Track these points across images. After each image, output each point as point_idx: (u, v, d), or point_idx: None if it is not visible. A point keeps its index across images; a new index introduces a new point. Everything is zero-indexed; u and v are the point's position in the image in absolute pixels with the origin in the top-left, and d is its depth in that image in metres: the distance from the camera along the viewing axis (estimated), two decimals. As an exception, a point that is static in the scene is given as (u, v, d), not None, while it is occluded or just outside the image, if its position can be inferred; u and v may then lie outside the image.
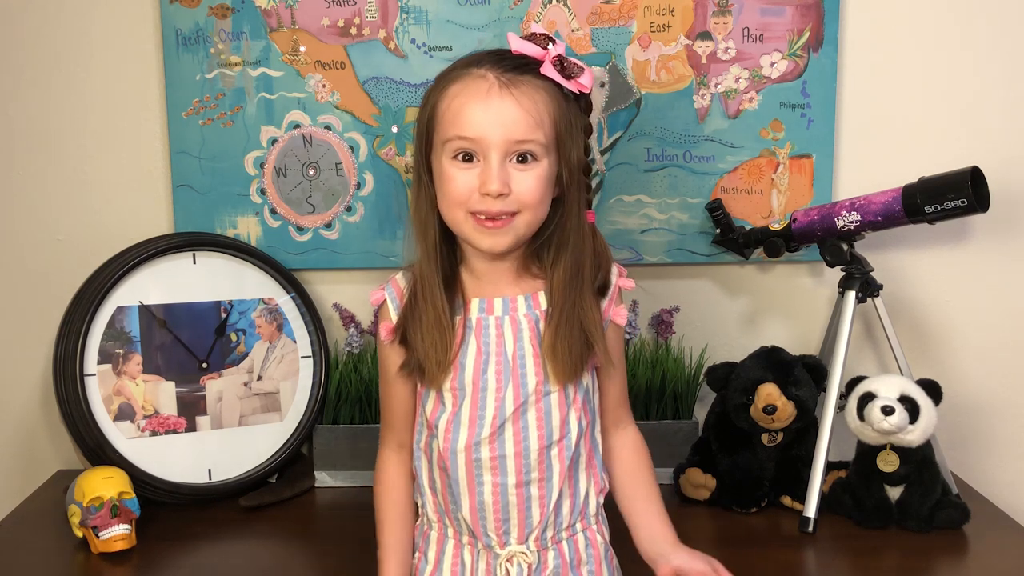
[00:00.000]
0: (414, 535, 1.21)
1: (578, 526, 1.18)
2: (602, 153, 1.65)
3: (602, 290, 1.17)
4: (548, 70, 1.10)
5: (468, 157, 1.09)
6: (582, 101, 1.14)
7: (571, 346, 1.12)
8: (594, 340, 1.13)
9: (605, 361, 1.16)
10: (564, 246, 1.14)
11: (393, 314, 1.17)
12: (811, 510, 1.45)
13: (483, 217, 1.09)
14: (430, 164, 1.14)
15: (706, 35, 1.63)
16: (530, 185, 1.09)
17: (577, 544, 1.17)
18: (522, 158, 1.09)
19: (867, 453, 1.48)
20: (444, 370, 1.13)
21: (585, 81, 1.12)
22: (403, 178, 1.66)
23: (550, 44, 1.11)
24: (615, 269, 1.19)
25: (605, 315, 1.18)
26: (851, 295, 1.52)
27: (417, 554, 1.20)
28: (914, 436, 1.44)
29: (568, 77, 1.11)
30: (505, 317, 1.15)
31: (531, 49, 1.11)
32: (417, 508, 1.22)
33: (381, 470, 1.22)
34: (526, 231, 1.12)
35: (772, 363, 1.53)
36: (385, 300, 1.18)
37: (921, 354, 1.71)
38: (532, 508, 1.14)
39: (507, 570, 1.14)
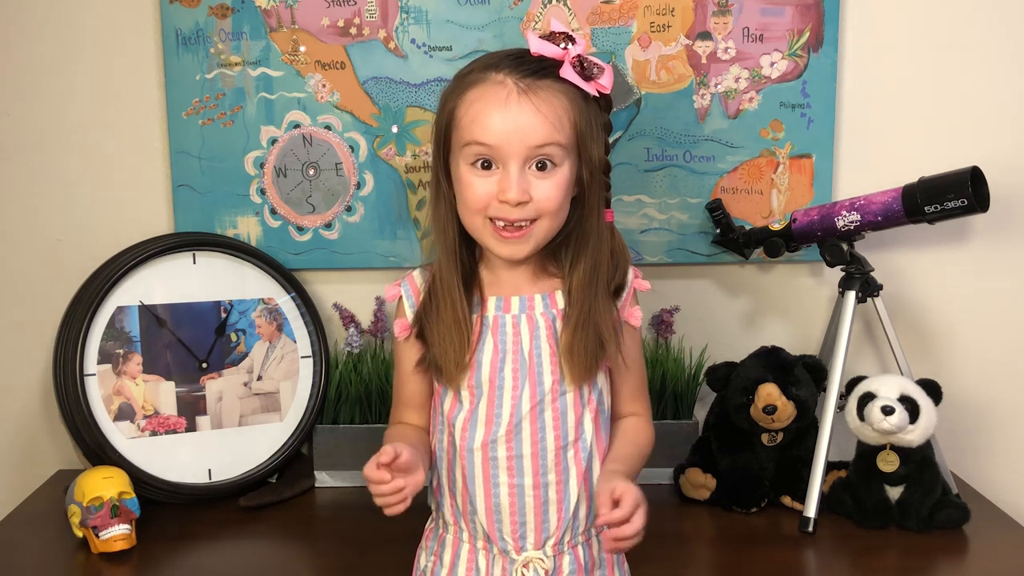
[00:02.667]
0: (419, 449, 1.17)
1: (593, 530, 1.17)
2: (609, 152, 1.65)
3: (618, 291, 1.17)
4: (568, 73, 1.09)
5: (487, 164, 1.09)
6: (602, 99, 1.13)
7: (587, 347, 1.12)
8: (606, 341, 1.13)
9: (617, 363, 1.16)
10: (583, 246, 1.13)
11: (408, 311, 1.18)
12: (811, 510, 1.45)
13: (502, 225, 1.09)
14: (448, 166, 1.13)
15: (706, 35, 1.63)
16: (549, 193, 1.09)
17: (592, 548, 1.17)
18: (541, 165, 1.09)
19: (867, 453, 1.48)
20: (462, 369, 1.13)
21: (605, 81, 1.11)
22: (403, 178, 1.66)
23: (570, 43, 1.10)
24: (631, 270, 1.19)
25: (620, 316, 1.17)
26: (851, 295, 1.52)
27: (432, 558, 1.20)
28: (914, 436, 1.44)
29: (588, 78, 1.10)
30: (522, 315, 1.15)
31: (550, 50, 1.10)
32: (432, 506, 1.22)
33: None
34: (546, 237, 1.12)
35: (772, 363, 1.53)
36: (401, 297, 1.19)
37: (921, 354, 1.71)
38: (549, 512, 1.14)
39: (523, 575, 1.14)
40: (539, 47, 1.10)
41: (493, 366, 1.13)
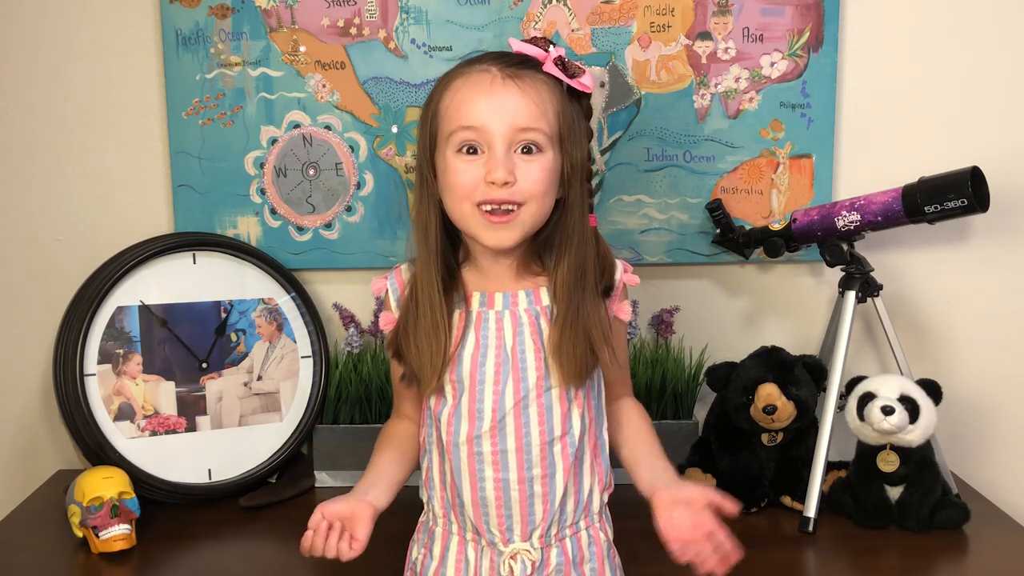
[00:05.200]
0: (404, 469, 1.22)
1: (582, 523, 1.18)
2: (602, 153, 1.65)
3: (607, 291, 1.18)
4: (550, 68, 1.11)
5: (473, 150, 1.10)
6: (584, 104, 1.15)
7: (576, 349, 1.12)
8: (597, 346, 1.13)
9: (611, 363, 1.17)
10: (567, 246, 1.14)
11: (394, 305, 1.19)
12: (811, 510, 1.45)
13: (489, 211, 1.10)
14: (434, 163, 1.14)
15: (706, 35, 1.63)
16: (535, 175, 1.10)
17: (580, 542, 1.17)
18: (527, 149, 1.10)
19: (867, 453, 1.48)
20: (437, 373, 1.13)
21: (586, 81, 1.14)
22: (403, 178, 1.66)
23: (550, 47, 1.13)
24: (620, 265, 1.20)
25: (609, 311, 1.18)
26: (851, 295, 1.52)
27: (423, 550, 1.20)
28: (914, 436, 1.44)
29: (570, 76, 1.12)
30: (505, 311, 1.15)
31: (532, 50, 1.13)
32: (424, 499, 1.23)
33: (385, 426, 1.27)
34: (532, 223, 1.13)
35: (772, 363, 1.53)
36: (387, 291, 1.20)
37: (921, 354, 1.71)
38: (535, 505, 1.14)
39: (511, 567, 1.14)
40: (520, 47, 1.13)
41: (474, 361, 1.14)
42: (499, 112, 1.08)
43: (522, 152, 1.10)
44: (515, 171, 1.09)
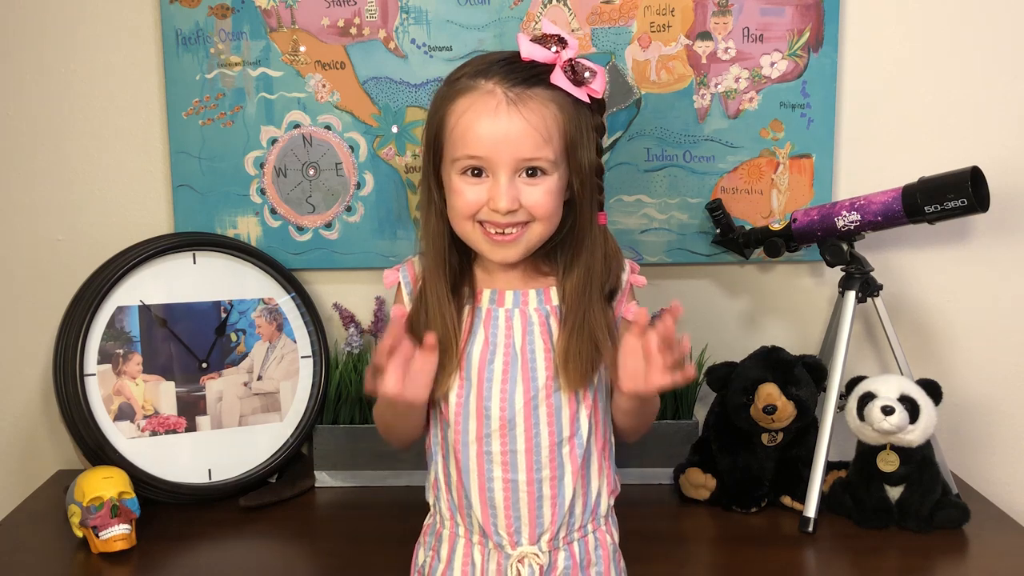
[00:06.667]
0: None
1: (589, 527, 1.18)
2: (602, 153, 1.65)
3: (612, 293, 1.17)
4: (559, 79, 1.09)
5: (477, 172, 1.09)
6: (594, 102, 1.13)
7: (582, 352, 1.12)
8: (602, 346, 1.13)
9: (613, 366, 1.16)
10: (577, 250, 1.14)
11: (406, 297, 1.19)
12: (811, 510, 1.45)
13: (493, 231, 1.10)
14: (439, 174, 1.13)
15: (706, 35, 1.63)
16: (540, 199, 1.09)
17: (587, 545, 1.17)
18: (531, 172, 1.09)
19: (867, 453, 1.48)
20: (449, 373, 1.13)
21: (597, 86, 1.11)
22: (403, 178, 1.66)
23: (561, 47, 1.10)
24: (627, 266, 1.20)
25: (616, 313, 1.18)
26: (851, 295, 1.52)
27: (430, 553, 1.20)
28: (914, 436, 1.44)
29: (580, 83, 1.10)
30: (515, 310, 1.15)
31: (541, 54, 1.09)
32: (430, 501, 1.22)
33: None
34: (538, 241, 1.13)
35: (772, 363, 1.53)
36: (399, 283, 1.19)
37: (921, 354, 1.71)
38: (544, 508, 1.14)
39: (518, 570, 1.14)
40: (530, 51, 1.09)
41: (482, 358, 1.14)
42: (503, 143, 1.07)
43: (527, 175, 1.09)
44: (519, 197, 1.09)
